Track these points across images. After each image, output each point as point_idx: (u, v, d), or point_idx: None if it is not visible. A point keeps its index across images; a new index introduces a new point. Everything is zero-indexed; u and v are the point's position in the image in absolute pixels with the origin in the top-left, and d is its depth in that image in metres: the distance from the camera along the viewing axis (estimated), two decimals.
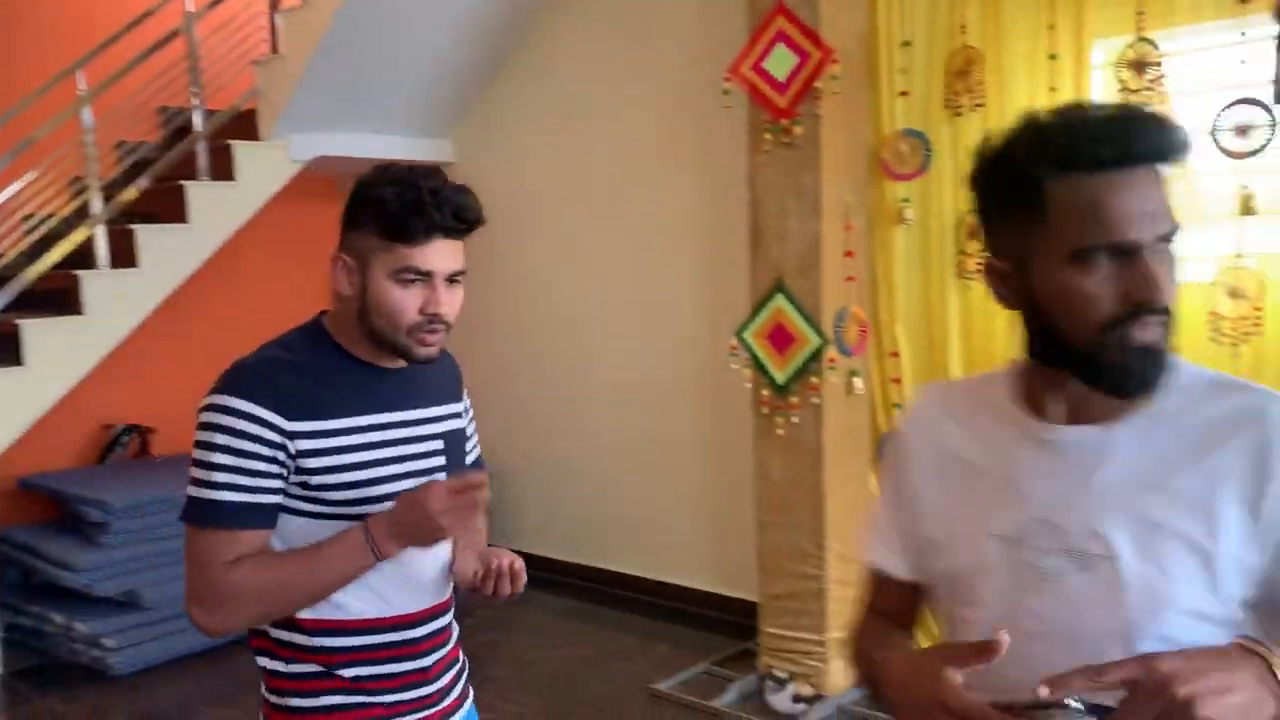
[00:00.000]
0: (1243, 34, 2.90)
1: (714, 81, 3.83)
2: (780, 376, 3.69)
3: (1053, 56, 3.27)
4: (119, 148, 4.88)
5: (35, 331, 4.26)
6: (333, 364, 1.56)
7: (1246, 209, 2.94)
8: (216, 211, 4.71)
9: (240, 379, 1.49)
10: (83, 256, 4.45)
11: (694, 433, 4.63)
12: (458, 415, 1.72)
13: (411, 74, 5.00)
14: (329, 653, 1.56)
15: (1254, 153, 2.90)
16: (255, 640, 1.60)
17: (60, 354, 4.32)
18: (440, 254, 1.50)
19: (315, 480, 1.50)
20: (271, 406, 1.47)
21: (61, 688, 4.14)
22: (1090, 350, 1.05)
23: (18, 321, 4.24)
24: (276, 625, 1.56)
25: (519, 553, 1.69)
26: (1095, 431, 1.09)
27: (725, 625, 4.39)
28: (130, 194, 4.56)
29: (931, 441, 1.22)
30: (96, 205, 4.47)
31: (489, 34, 4.98)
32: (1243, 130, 2.90)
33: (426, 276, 1.50)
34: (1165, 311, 1.04)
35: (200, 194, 4.66)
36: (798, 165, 3.58)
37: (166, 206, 4.66)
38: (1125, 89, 3.13)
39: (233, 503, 1.46)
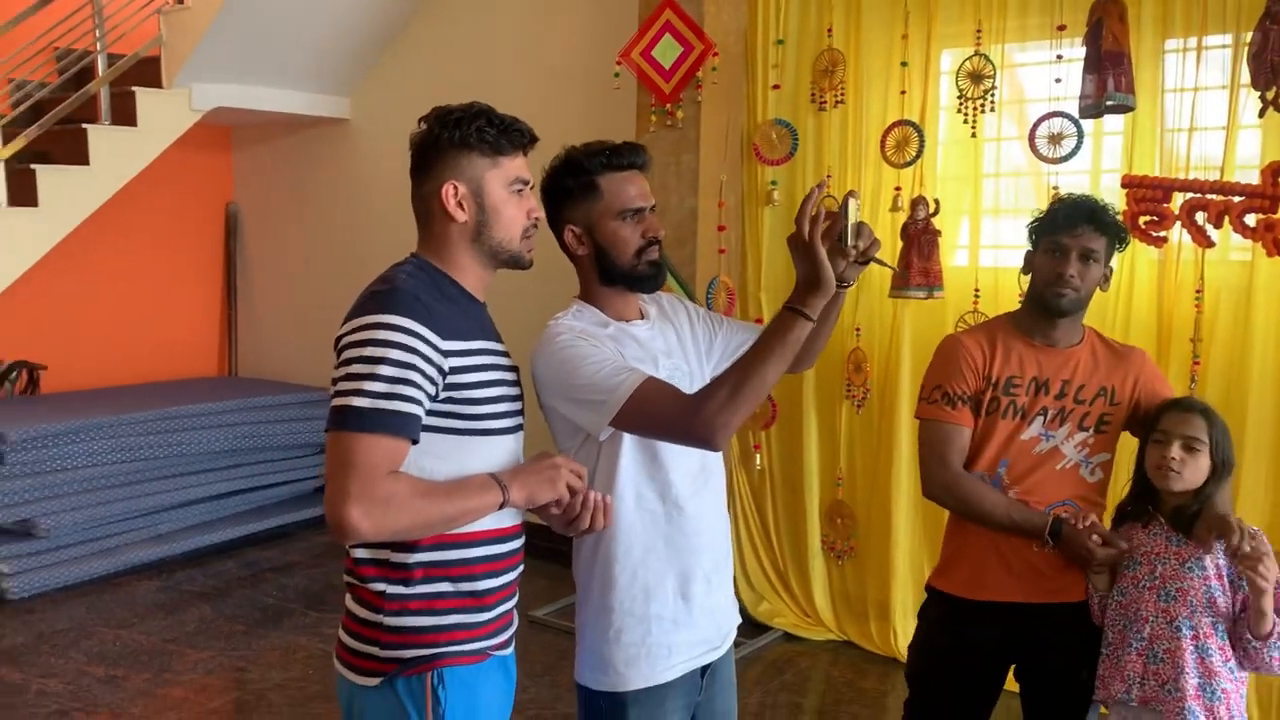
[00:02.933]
0: (1059, 56, 3.39)
1: (606, 63, 4.17)
2: None
3: (904, 63, 3.72)
4: (14, 87, 4.91)
5: None
6: (452, 293, 1.73)
7: None
8: (117, 155, 4.82)
9: (400, 301, 1.62)
10: None
11: None
12: None
13: (315, 32, 5.18)
14: (459, 565, 1.69)
15: (1064, 159, 3.40)
16: (368, 569, 1.68)
17: None
18: (525, 165, 1.77)
19: (464, 395, 1.66)
20: (431, 327, 1.62)
21: None
22: (630, 268, 1.94)
23: None
24: (400, 548, 1.65)
25: None
26: (647, 324, 2.02)
27: None
28: (31, 133, 4.63)
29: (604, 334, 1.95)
30: None
31: None
32: (1055, 139, 3.40)
33: (526, 185, 1.76)
34: (660, 242, 1.96)
35: (102, 137, 4.77)
36: (679, 146, 3.97)
37: (66, 148, 4.75)
38: (964, 96, 3.60)
39: (402, 413, 1.57)
